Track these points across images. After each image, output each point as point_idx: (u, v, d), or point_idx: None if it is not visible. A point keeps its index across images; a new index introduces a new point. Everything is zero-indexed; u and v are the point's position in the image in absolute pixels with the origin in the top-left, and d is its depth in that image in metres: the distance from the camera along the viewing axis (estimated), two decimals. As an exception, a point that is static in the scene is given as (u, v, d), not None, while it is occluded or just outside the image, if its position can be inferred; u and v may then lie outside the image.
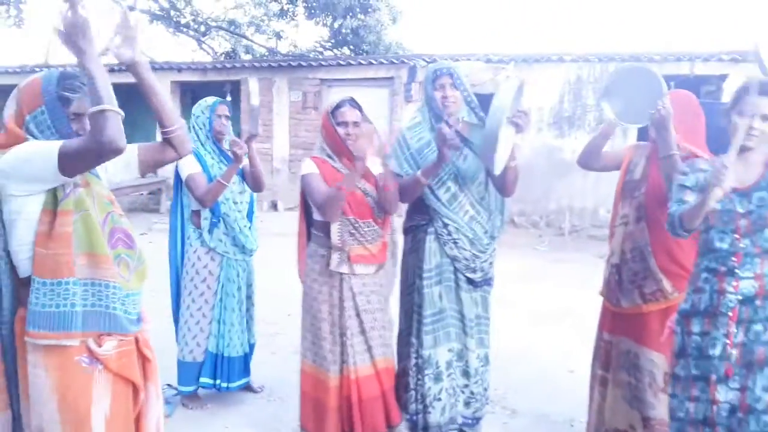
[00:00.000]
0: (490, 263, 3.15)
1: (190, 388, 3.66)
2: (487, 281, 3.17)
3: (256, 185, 3.70)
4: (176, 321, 3.73)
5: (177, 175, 3.60)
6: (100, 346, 1.89)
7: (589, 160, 3.06)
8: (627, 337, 2.96)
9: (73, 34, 1.69)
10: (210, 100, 3.63)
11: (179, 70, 12.55)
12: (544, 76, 10.21)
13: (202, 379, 3.65)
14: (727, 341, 2.26)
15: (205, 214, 3.56)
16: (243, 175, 3.71)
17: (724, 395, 2.26)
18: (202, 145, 3.60)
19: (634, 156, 3.04)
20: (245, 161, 3.55)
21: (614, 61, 9.78)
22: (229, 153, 3.54)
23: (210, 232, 3.57)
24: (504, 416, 3.70)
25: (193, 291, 3.60)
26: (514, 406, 3.82)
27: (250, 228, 3.74)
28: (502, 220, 3.22)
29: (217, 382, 3.66)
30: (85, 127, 1.92)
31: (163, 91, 2.02)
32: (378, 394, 2.96)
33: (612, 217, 3.13)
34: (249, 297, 3.79)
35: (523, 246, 9.24)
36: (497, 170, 2.83)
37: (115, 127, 1.70)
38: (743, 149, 2.29)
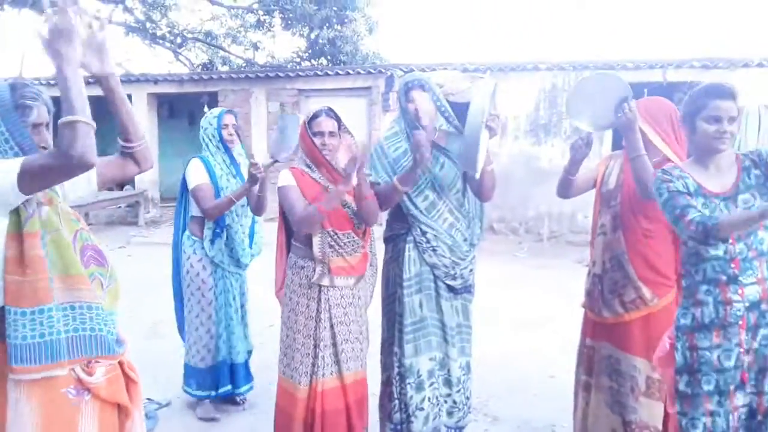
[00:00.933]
0: (471, 270, 3.17)
1: (204, 393, 3.75)
2: (468, 288, 3.18)
3: (258, 209, 3.70)
4: (180, 326, 3.89)
5: (183, 184, 3.70)
6: (89, 374, 1.78)
7: (565, 192, 3.10)
8: (608, 342, 2.98)
9: (58, 40, 1.62)
10: (216, 111, 3.74)
11: (156, 81, 12.48)
12: (520, 84, 10.32)
13: (223, 389, 3.77)
14: (741, 350, 2.24)
15: (209, 224, 3.62)
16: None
17: (742, 400, 2.26)
18: (212, 155, 3.68)
19: (608, 166, 3.07)
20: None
21: (588, 69, 9.91)
22: (241, 165, 3.69)
23: (212, 242, 3.63)
24: (486, 423, 3.71)
25: (191, 298, 3.70)
26: (496, 413, 3.84)
27: (251, 243, 3.84)
28: (481, 227, 3.24)
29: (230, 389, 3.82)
30: (45, 139, 1.83)
31: (130, 106, 1.95)
32: (342, 407, 2.94)
33: (593, 227, 3.16)
34: (243, 305, 3.88)
35: (503, 253, 9.30)
36: (477, 174, 2.85)
37: (86, 140, 1.60)
38: (716, 153, 2.31)
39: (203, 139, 3.71)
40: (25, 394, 1.69)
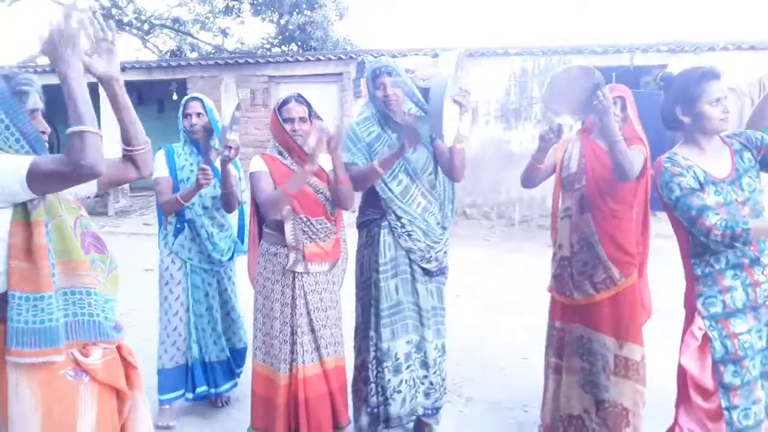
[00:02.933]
0: (445, 252, 3.20)
1: (173, 395, 3.52)
2: (442, 271, 3.21)
3: (226, 205, 3.47)
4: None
5: None
6: (85, 356, 1.80)
7: (530, 181, 3.10)
8: (580, 323, 3.03)
9: (62, 45, 1.63)
10: (186, 98, 3.54)
11: (123, 69, 12.18)
12: (490, 69, 10.36)
13: (199, 389, 3.55)
14: (766, 327, 2.29)
15: (170, 218, 3.49)
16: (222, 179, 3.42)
17: None
18: (182, 145, 3.54)
19: (565, 150, 3.11)
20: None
21: (557, 54, 9.99)
22: (214, 156, 3.44)
23: (174, 235, 3.49)
24: (460, 404, 3.77)
25: (161, 292, 3.55)
26: (470, 394, 3.90)
27: (241, 237, 3.67)
28: (452, 209, 3.27)
29: (208, 389, 3.61)
30: (42, 124, 1.87)
31: (133, 110, 1.96)
32: (324, 393, 2.96)
33: (552, 212, 3.19)
34: (226, 302, 3.66)
35: (475, 237, 9.38)
36: (447, 141, 2.83)
37: (95, 150, 1.63)
38: (718, 133, 2.35)
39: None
40: (24, 377, 1.72)
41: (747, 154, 2.36)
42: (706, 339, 2.29)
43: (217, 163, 3.36)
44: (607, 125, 2.68)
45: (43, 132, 1.86)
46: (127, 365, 1.96)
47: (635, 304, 2.97)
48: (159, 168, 3.43)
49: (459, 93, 2.78)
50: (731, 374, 2.24)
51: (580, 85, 2.69)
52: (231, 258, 3.64)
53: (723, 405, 2.24)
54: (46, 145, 1.85)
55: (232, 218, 3.71)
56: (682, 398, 2.40)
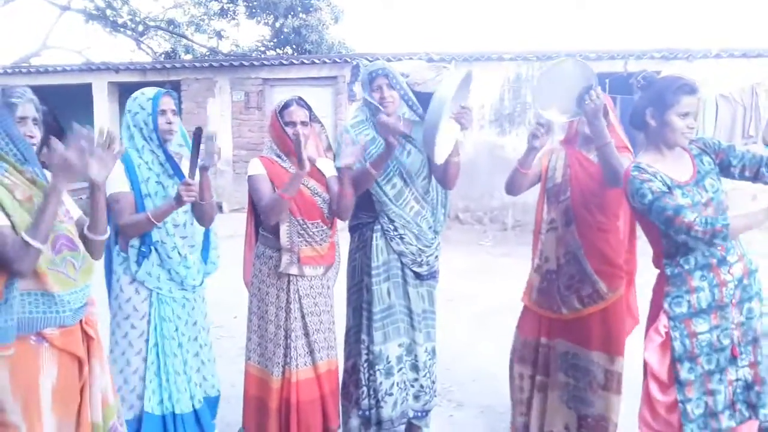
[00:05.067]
0: (436, 257, 3.21)
1: None
2: (433, 275, 3.22)
3: (201, 219, 2.96)
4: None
5: None
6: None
7: (515, 188, 3.05)
8: (564, 339, 2.98)
9: (65, 169, 1.90)
10: (150, 91, 2.85)
11: (117, 70, 12.25)
12: (485, 74, 10.37)
13: None
14: (732, 325, 2.37)
15: (133, 241, 2.80)
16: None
17: (735, 374, 2.37)
18: (138, 151, 2.82)
19: (550, 160, 3.06)
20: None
21: (552, 60, 10.01)
22: (182, 159, 2.88)
23: (138, 263, 2.80)
24: (450, 409, 3.77)
25: (117, 330, 2.86)
26: (461, 399, 3.90)
27: (205, 257, 3.09)
28: (444, 214, 3.28)
29: None
30: (30, 131, 2.12)
31: (105, 210, 2.21)
32: (316, 397, 2.96)
33: (536, 223, 3.12)
34: (195, 338, 3.02)
35: (468, 242, 9.40)
36: (438, 159, 2.85)
37: (31, 261, 1.88)
38: (674, 146, 2.40)
39: (129, 128, 2.84)
40: None
41: (706, 158, 2.45)
42: (669, 336, 2.39)
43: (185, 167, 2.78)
44: (597, 127, 2.63)
45: (30, 136, 2.11)
46: (87, 336, 2.19)
47: (623, 317, 2.94)
48: (117, 181, 2.72)
49: (460, 111, 2.79)
50: (687, 371, 2.36)
51: (573, 82, 2.64)
52: (201, 282, 3.05)
53: (678, 398, 2.37)
54: (33, 147, 2.11)
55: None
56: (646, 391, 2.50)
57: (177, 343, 2.90)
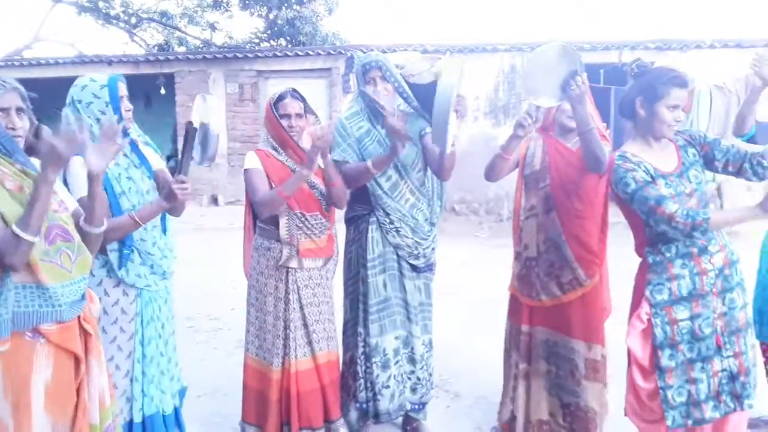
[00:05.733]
0: (432, 249, 3.21)
1: None
2: (430, 267, 3.22)
3: (174, 210, 2.74)
4: None
5: None
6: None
7: (494, 174, 2.99)
8: (545, 326, 3.00)
9: (53, 157, 1.81)
10: (102, 78, 2.57)
11: (110, 63, 12.19)
12: (480, 65, 10.38)
13: None
14: (715, 315, 2.39)
15: (112, 244, 2.57)
16: (156, 179, 2.76)
17: (720, 365, 2.39)
18: None
19: (528, 147, 3.05)
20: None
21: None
22: (141, 147, 2.66)
23: (122, 266, 2.61)
24: (447, 399, 3.79)
25: (103, 335, 2.60)
26: (457, 390, 3.92)
27: (165, 230, 2.84)
28: (441, 206, 3.28)
29: None
30: (13, 122, 2.01)
31: (106, 203, 2.18)
32: (316, 387, 2.96)
33: (515, 211, 3.10)
34: (174, 332, 2.91)
35: (464, 233, 9.41)
36: (448, 149, 2.81)
37: (22, 254, 1.83)
38: (660, 137, 2.43)
39: (80, 120, 2.52)
40: None
41: (691, 150, 2.48)
42: (651, 323, 2.43)
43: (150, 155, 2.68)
44: (581, 113, 2.62)
45: (11, 128, 2.01)
46: (85, 333, 2.10)
47: (602, 305, 2.97)
48: (83, 182, 2.33)
49: (457, 99, 2.78)
50: (667, 357, 2.40)
51: (560, 66, 2.59)
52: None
53: (659, 385, 2.40)
54: (19, 139, 2.03)
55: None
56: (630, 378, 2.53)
57: (163, 341, 2.80)
